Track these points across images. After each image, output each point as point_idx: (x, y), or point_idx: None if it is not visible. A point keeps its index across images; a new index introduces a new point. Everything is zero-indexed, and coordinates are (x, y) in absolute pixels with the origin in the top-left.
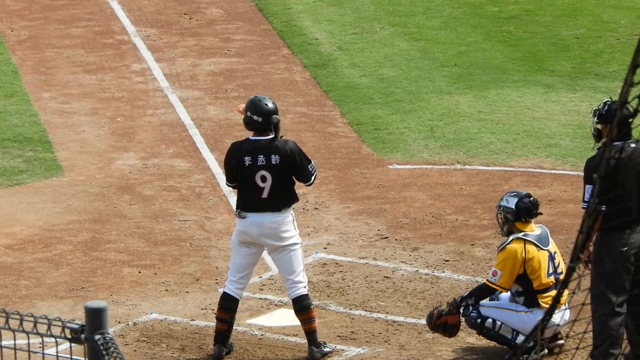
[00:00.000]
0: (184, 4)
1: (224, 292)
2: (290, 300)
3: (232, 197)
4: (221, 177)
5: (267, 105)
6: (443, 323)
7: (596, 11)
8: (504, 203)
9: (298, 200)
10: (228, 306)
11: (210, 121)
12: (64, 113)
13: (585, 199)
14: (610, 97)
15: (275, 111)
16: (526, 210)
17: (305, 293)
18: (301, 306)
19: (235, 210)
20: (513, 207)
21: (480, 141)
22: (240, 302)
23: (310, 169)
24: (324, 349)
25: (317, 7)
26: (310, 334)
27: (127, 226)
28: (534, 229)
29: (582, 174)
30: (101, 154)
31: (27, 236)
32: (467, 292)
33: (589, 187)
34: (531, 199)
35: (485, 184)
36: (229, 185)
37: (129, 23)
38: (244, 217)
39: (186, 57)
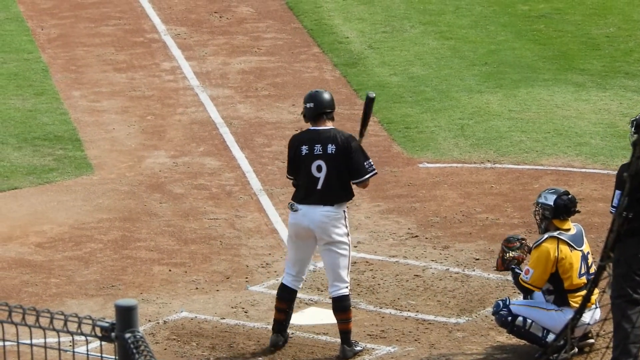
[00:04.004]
0: (215, 3)
1: (282, 283)
2: (325, 299)
3: (262, 195)
4: (251, 176)
5: (318, 92)
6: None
7: (626, 10)
8: (542, 200)
9: (353, 196)
10: (285, 296)
11: (240, 120)
12: (94, 111)
13: (614, 204)
14: None
15: (328, 100)
16: (564, 207)
17: (347, 294)
18: (341, 306)
19: (289, 203)
20: (551, 204)
21: (511, 140)
22: (271, 301)
23: (367, 166)
24: (355, 348)
25: (347, 5)
26: (345, 333)
27: (158, 224)
28: (570, 227)
29: (612, 172)
30: (131, 152)
31: (57, 234)
32: (518, 270)
33: (618, 193)
34: (569, 196)
35: (515, 183)
36: (288, 178)
37: (159, 21)
38: (296, 210)
39: (216, 55)
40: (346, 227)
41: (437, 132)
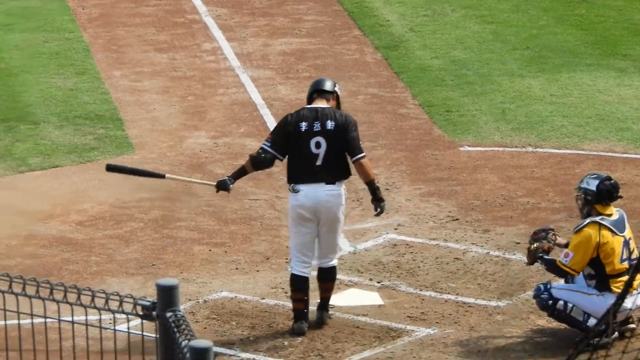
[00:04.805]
0: None
1: (292, 274)
2: (365, 281)
3: None
4: None
5: (320, 78)
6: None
7: None
8: (584, 185)
9: (350, 174)
10: (299, 286)
11: (281, 101)
12: (135, 91)
13: None
14: None
15: (326, 81)
16: (607, 192)
17: (336, 265)
18: (330, 276)
19: (289, 185)
20: (594, 189)
21: (552, 124)
22: (310, 280)
23: (361, 145)
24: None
25: None
26: (325, 300)
27: (198, 204)
28: (613, 212)
29: None
30: (172, 132)
31: (98, 213)
32: (548, 257)
33: None
34: (612, 181)
35: (556, 167)
36: (267, 149)
37: (200, 3)
38: (298, 192)
39: (257, 37)
40: (344, 202)
41: (478, 115)
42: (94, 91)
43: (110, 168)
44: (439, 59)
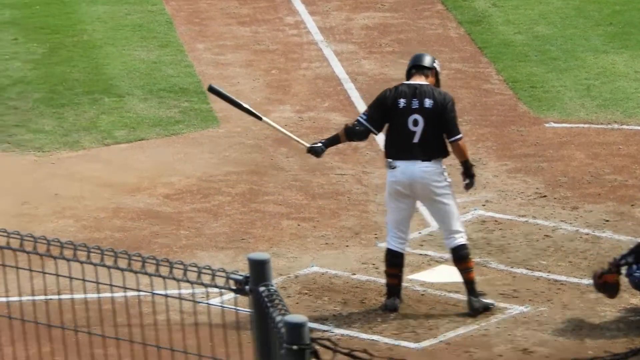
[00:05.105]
0: None
1: (388, 249)
2: (450, 252)
3: None
4: None
5: (419, 53)
6: (603, 282)
7: None
8: None
9: (448, 154)
10: (394, 261)
11: (365, 75)
12: (219, 64)
13: None
14: None
15: (424, 57)
16: None
17: (464, 243)
18: (459, 255)
19: (386, 161)
20: None
21: (637, 101)
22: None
23: (458, 125)
24: (484, 300)
25: None
26: (469, 283)
27: (285, 179)
28: None
29: None
30: (257, 106)
31: (185, 186)
32: (628, 250)
33: None
34: None
35: None
36: (362, 122)
37: None
38: (394, 168)
39: (340, 10)
40: (447, 179)
41: (563, 92)
42: (178, 64)
43: (212, 89)
44: (522, 34)
